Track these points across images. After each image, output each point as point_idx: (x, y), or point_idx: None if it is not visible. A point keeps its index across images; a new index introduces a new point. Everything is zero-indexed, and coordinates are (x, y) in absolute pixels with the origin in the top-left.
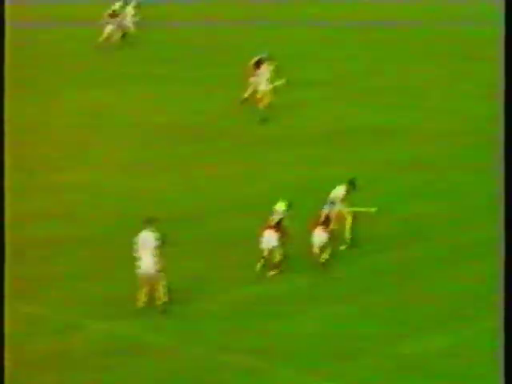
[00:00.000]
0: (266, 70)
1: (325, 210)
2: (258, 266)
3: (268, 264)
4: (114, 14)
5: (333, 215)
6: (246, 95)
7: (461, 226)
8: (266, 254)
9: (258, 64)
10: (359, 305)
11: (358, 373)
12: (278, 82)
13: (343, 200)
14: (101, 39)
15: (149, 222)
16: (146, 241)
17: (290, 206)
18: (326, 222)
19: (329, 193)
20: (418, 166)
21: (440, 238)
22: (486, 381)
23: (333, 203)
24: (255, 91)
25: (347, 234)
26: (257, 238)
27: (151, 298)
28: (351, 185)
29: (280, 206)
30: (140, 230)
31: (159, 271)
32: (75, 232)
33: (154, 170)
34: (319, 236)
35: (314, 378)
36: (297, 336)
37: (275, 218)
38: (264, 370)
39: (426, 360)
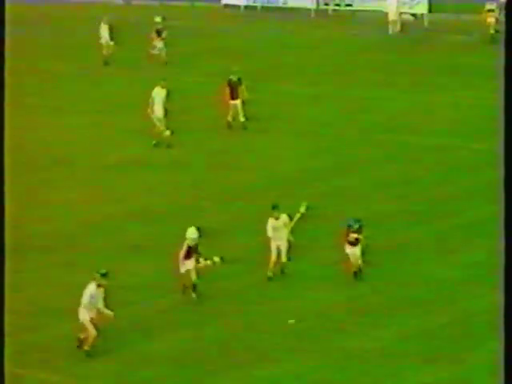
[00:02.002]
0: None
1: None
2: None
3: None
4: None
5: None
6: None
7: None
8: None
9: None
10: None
11: None
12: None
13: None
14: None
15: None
16: (89, 290)
17: (199, 232)
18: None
19: None
20: None
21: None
22: None
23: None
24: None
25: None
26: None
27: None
28: (274, 209)
29: (191, 233)
30: None
31: (88, 322)
32: None
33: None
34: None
35: None
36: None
37: (185, 245)
38: None
39: None
